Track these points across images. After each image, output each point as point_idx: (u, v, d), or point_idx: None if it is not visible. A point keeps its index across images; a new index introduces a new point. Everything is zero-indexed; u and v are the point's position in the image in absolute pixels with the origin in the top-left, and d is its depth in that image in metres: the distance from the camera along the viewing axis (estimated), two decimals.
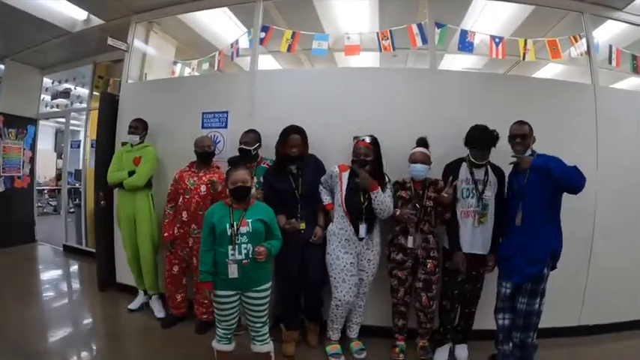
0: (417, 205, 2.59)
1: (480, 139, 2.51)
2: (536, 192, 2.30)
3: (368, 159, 2.56)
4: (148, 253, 3.24)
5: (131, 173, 3.19)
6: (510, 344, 2.49)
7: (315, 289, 2.74)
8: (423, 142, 2.66)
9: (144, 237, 3.23)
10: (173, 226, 3.00)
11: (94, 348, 2.81)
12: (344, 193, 2.58)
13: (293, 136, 2.69)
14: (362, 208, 2.56)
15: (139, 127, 3.32)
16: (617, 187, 3.04)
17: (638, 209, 3.15)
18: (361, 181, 2.52)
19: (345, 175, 2.62)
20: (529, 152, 2.40)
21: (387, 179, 2.64)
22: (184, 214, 2.94)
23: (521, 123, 2.45)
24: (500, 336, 2.51)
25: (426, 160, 2.59)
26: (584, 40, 3.32)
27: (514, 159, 2.40)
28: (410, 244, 2.60)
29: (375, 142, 2.62)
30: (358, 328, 2.82)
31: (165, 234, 3.01)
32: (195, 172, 3.01)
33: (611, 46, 3.47)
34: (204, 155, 3.00)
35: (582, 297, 3.08)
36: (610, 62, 3.48)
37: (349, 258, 2.59)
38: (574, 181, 2.15)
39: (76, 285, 4.26)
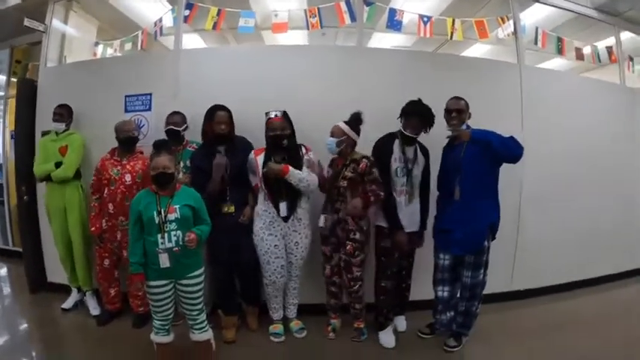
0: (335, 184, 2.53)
1: (420, 109, 2.51)
2: (474, 165, 2.34)
3: (285, 133, 2.53)
4: (80, 246, 3.05)
5: (58, 164, 2.97)
6: (448, 314, 2.59)
7: (248, 271, 2.70)
8: (352, 117, 2.56)
9: (75, 230, 3.03)
10: (100, 219, 2.84)
11: (32, 354, 2.62)
12: (260, 174, 2.54)
13: (219, 112, 2.60)
14: (280, 186, 2.52)
15: (64, 113, 3.07)
16: (543, 158, 3.22)
17: (562, 178, 3.39)
18: (268, 172, 2.47)
19: (260, 157, 2.57)
20: (464, 127, 2.43)
21: (302, 151, 2.60)
22: (110, 207, 2.78)
23: (457, 98, 2.48)
24: (440, 306, 2.59)
25: (335, 133, 2.51)
26: (511, 22, 3.44)
27: (451, 132, 2.41)
28: (321, 223, 2.58)
29: (286, 115, 2.58)
30: (296, 309, 2.83)
31: (92, 228, 2.84)
32: (117, 160, 2.83)
33: (537, 28, 3.63)
34: (128, 141, 2.83)
35: (512, 263, 3.29)
36: (536, 43, 3.65)
37: (274, 240, 2.57)
38: (512, 150, 2.24)
39: (5, 289, 3.95)
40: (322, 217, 2.59)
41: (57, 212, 3.06)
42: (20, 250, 3.98)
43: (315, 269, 2.80)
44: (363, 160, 2.49)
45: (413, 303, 2.86)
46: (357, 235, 2.53)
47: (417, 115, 2.51)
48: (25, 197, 3.39)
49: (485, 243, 2.42)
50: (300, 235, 2.63)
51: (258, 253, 2.62)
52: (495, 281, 3.09)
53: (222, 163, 2.54)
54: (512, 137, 2.27)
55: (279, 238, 2.58)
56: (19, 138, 3.49)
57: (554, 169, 3.34)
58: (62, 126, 3.05)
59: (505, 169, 2.43)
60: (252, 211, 2.65)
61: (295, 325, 2.77)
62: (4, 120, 4.71)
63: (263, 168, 2.50)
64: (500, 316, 3.04)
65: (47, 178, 3.01)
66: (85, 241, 3.07)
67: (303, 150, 2.62)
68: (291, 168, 2.47)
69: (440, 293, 2.58)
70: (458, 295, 2.57)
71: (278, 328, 2.72)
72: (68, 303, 3.17)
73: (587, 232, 3.55)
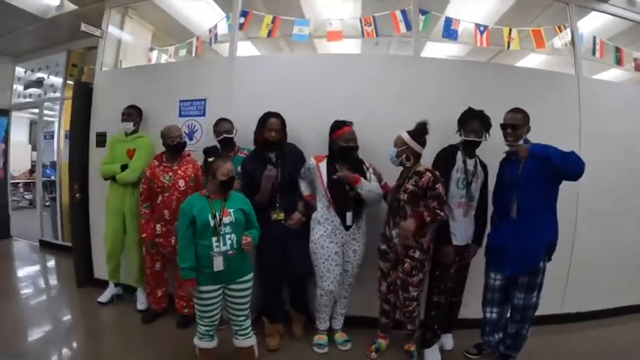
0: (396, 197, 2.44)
1: (476, 112, 2.45)
2: (533, 182, 2.23)
3: (357, 145, 2.54)
4: (136, 247, 3.15)
5: (124, 167, 3.05)
6: (496, 335, 2.49)
7: (300, 279, 2.69)
8: (416, 127, 2.43)
9: (133, 235, 3.13)
10: (150, 225, 2.87)
11: (75, 346, 2.73)
12: (325, 183, 2.52)
13: (271, 119, 2.61)
14: (349, 197, 2.51)
15: (133, 113, 3.16)
16: (601, 173, 3.01)
17: (620, 196, 3.20)
18: (341, 179, 2.47)
19: (323, 165, 2.56)
20: (521, 141, 2.29)
21: (365, 166, 2.60)
22: (166, 213, 2.81)
23: (515, 111, 2.34)
24: (487, 328, 2.49)
25: (400, 144, 2.41)
26: (568, 31, 3.30)
27: (510, 147, 2.28)
28: (388, 232, 2.49)
29: (350, 122, 2.59)
30: (343, 319, 2.79)
31: (144, 234, 2.88)
32: (168, 166, 2.85)
33: (595, 37, 3.47)
34: (177, 148, 2.85)
35: (565, 284, 3.12)
36: (594, 53, 3.48)
37: (334, 247, 2.55)
38: (574, 166, 2.08)
39: (53, 281, 4.15)
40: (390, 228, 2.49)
41: (115, 212, 3.15)
42: (69, 244, 4.19)
43: (364, 281, 2.75)
44: (427, 173, 2.32)
45: (461, 321, 2.77)
46: (417, 254, 2.36)
47: (475, 118, 2.44)
48: (77, 195, 3.54)
49: (541, 264, 2.28)
50: (359, 242, 2.61)
51: (316, 261, 2.59)
52: (546, 302, 2.92)
53: (273, 175, 2.55)
54: (572, 152, 2.11)
55: (339, 246, 2.57)
56: (73, 139, 3.64)
57: (613, 184, 3.15)
58: (130, 126, 3.13)
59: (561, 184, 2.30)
60: (300, 216, 2.64)
61: (340, 337, 2.72)
62: (59, 120, 4.96)
63: (333, 175, 2.49)
64: (550, 339, 2.88)
65: (112, 178, 3.11)
66: (140, 243, 3.14)
67: (367, 164, 2.61)
68: (362, 179, 2.48)
69: (488, 315, 2.48)
70: (508, 315, 2.45)
71: (322, 338, 2.69)
72: (105, 296, 3.30)
73: None
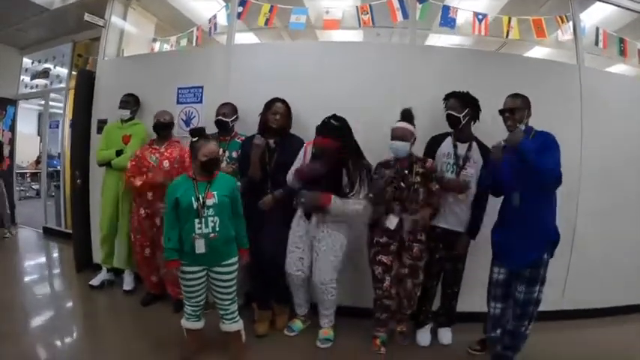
0: (401, 184, 2.37)
1: (455, 92, 2.49)
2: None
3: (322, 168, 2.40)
4: (127, 232, 3.16)
5: (119, 152, 3.10)
6: (498, 331, 2.35)
7: (274, 265, 2.61)
8: (406, 115, 2.43)
9: (125, 217, 3.16)
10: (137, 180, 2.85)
11: (73, 329, 2.77)
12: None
13: (277, 103, 2.63)
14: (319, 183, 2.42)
15: (131, 101, 3.23)
16: (603, 167, 2.98)
17: (623, 190, 3.12)
18: (306, 203, 2.41)
19: (310, 147, 2.51)
20: (522, 126, 2.17)
21: (364, 172, 2.44)
22: (149, 194, 2.85)
23: (514, 96, 2.24)
24: (490, 324, 2.38)
25: (406, 136, 2.36)
26: (570, 22, 3.24)
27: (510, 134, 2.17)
28: (392, 225, 2.37)
29: (340, 128, 2.40)
30: (326, 320, 2.63)
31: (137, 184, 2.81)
32: (155, 148, 2.92)
33: (597, 29, 3.41)
34: (158, 127, 2.92)
35: (564, 282, 3.04)
36: (597, 44, 3.41)
37: (298, 231, 2.55)
38: (543, 164, 2.01)
39: (54, 266, 4.25)
40: (391, 217, 2.39)
41: (110, 197, 3.20)
42: (71, 231, 4.23)
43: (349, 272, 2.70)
44: (429, 159, 2.45)
45: (463, 315, 2.71)
46: (423, 237, 2.42)
47: (452, 96, 2.48)
48: (78, 181, 3.59)
49: (545, 256, 2.17)
50: (323, 233, 2.48)
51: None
52: (545, 299, 2.84)
53: (260, 145, 2.54)
54: (552, 168, 2.04)
55: (302, 232, 2.55)
56: (75, 125, 3.70)
57: (615, 179, 3.06)
58: (127, 113, 3.19)
59: None
60: (271, 199, 2.56)
61: (324, 333, 2.59)
62: (64, 110, 5.04)
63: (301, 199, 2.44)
64: (548, 335, 2.79)
65: (107, 164, 3.16)
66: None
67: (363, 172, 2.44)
68: (334, 200, 2.35)
69: (492, 310, 2.35)
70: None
71: (295, 322, 2.69)
72: (97, 280, 3.33)
73: None
